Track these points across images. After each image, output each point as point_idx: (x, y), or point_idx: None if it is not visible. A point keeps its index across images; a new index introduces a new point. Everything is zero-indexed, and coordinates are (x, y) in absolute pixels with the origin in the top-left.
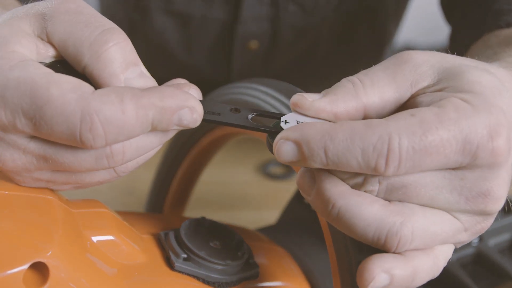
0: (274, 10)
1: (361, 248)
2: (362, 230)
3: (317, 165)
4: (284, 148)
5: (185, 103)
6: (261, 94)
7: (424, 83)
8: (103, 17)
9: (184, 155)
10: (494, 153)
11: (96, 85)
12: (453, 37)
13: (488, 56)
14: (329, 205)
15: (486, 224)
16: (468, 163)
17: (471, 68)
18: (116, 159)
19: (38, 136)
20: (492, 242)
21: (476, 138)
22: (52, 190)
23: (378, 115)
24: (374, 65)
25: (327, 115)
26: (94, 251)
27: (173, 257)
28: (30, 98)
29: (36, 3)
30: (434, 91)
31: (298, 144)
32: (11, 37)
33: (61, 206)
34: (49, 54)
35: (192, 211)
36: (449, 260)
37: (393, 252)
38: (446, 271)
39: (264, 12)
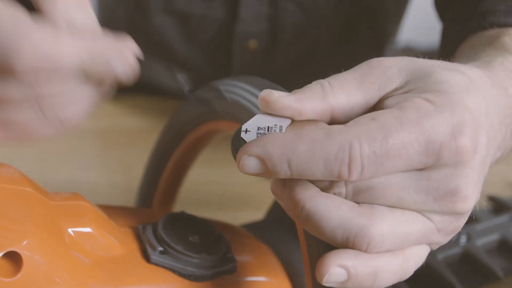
0: (273, 9)
1: (330, 248)
2: (331, 232)
3: (281, 176)
4: (248, 163)
5: (120, 49)
6: (241, 90)
7: (392, 86)
8: None
9: (172, 150)
10: (459, 152)
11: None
12: (444, 37)
13: (469, 56)
14: (298, 208)
15: (459, 223)
16: (433, 163)
17: (440, 69)
18: (41, 89)
19: None
20: (480, 242)
21: (438, 137)
22: (32, 182)
23: (347, 118)
24: None
25: (292, 112)
26: (71, 243)
27: (149, 250)
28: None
29: None
30: (401, 93)
31: (261, 159)
32: None
33: (38, 198)
34: None
35: (192, 211)
36: (436, 259)
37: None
38: (431, 270)
39: (263, 11)
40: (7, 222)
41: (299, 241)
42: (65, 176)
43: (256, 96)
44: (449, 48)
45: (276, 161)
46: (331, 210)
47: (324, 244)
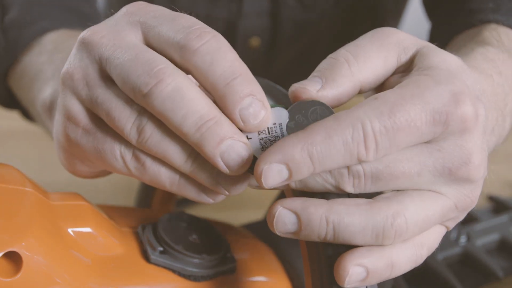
0: (274, 5)
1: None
2: (361, 234)
3: (305, 174)
4: (270, 173)
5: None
6: None
7: (406, 58)
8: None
9: None
10: (463, 119)
11: None
12: (431, 36)
13: (452, 51)
14: (323, 225)
15: (473, 196)
16: (441, 133)
17: (440, 50)
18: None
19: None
20: (480, 242)
21: (443, 106)
22: (32, 182)
23: (370, 89)
24: None
25: (331, 102)
26: (71, 243)
27: (149, 250)
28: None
29: None
30: (402, 72)
31: (283, 163)
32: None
33: (39, 198)
34: None
35: (192, 211)
36: (436, 259)
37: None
38: (431, 270)
39: (265, 6)
40: (7, 222)
41: (299, 241)
42: (65, 176)
43: None
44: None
45: (298, 159)
46: (354, 213)
47: (324, 244)
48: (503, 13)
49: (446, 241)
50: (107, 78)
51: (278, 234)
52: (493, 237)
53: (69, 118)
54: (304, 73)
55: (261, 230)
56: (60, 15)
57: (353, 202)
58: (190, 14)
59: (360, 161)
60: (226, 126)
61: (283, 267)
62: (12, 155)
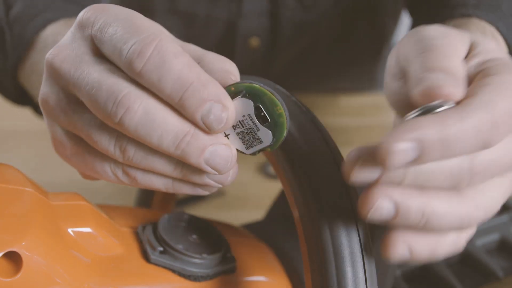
0: (274, 5)
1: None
2: (450, 228)
3: (435, 157)
4: (401, 150)
5: (220, 99)
6: None
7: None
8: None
9: None
10: None
11: None
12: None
13: None
14: (418, 218)
15: None
16: None
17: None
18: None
19: None
20: (480, 242)
21: None
22: (32, 182)
23: None
24: (373, 63)
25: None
26: (71, 243)
27: (149, 250)
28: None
29: None
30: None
31: (416, 142)
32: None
33: (38, 198)
34: None
35: (192, 211)
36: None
37: None
38: (431, 270)
39: (264, 6)
40: (7, 222)
41: (299, 241)
42: (65, 176)
43: None
44: None
45: (432, 140)
46: (444, 207)
47: (323, 243)
48: (484, 9)
49: None
50: (79, 103)
51: (367, 218)
52: (493, 237)
53: (55, 143)
54: (304, 73)
55: (261, 230)
56: (62, 5)
57: (445, 194)
58: (190, 14)
59: (485, 147)
60: (202, 136)
61: (283, 267)
62: (12, 155)
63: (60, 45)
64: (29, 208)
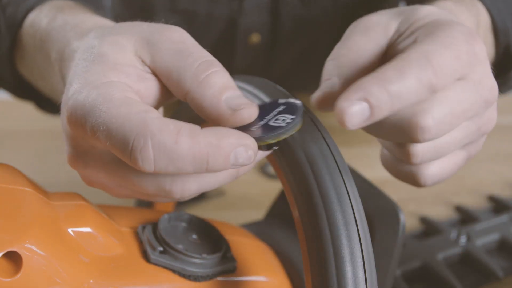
0: (274, 0)
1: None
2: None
3: (385, 112)
4: (354, 110)
5: (240, 141)
6: (241, 91)
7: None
8: (203, 49)
9: None
10: (482, 49)
11: (198, 109)
12: None
13: None
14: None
15: (495, 115)
16: (471, 63)
17: (420, 6)
18: (174, 195)
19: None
20: (480, 242)
21: (467, 40)
22: (32, 182)
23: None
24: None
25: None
26: (70, 242)
27: (149, 250)
28: (100, 111)
29: (137, 24)
30: (407, 36)
31: (366, 101)
32: (113, 56)
33: (38, 198)
34: (146, 76)
35: (192, 211)
36: (435, 259)
37: None
38: (431, 270)
39: (265, 2)
40: (7, 222)
41: (299, 240)
42: (65, 176)
43: (256, 96)
44: None
45: (378, 95)
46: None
47: (323, 243)
48: None
49: (446, 241)
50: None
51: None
52: (493, 237)
53: (84, 178)
54: (304, 72)
55: (261, 230)
56: None
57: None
58: (190, 13)
59: (432, 91)
60: (223, 150)
61: (283, 267)
62: (12, 155)
63: (68, 153)
64: (29, 208)
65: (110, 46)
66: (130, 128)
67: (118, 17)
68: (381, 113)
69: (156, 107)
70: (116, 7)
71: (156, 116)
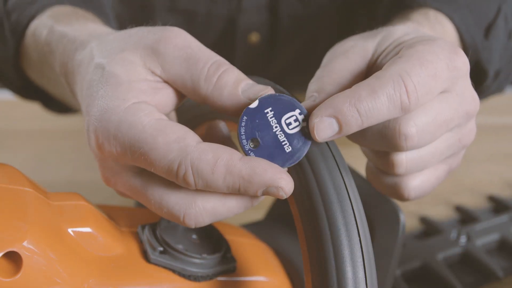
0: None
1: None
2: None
3: (354, 128)
4: (322, 126)
5: (273, 182)
6: None
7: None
8: (207, 49)
9: None
10: (465, 62)
11: (221, 110)
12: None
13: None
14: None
15: (474, 129)
16: (453, 78)
17: (391, 28)
18: (188, 225)
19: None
20: (480, 242)
21: (449, 55)
22: (32, 182)
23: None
24: None
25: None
26: (71, 243)
27: (149, 250)
28: (138, 143)
29: (136, 32)
30: (387, 53)
31: (333, 117)
32: (125, 75)
33: (39, 198)
34: (159, 86)
35: None
36: (435, 259)
37: None
38: (431, 270)
39: (263, 1)
40: (7, 222)
41: (299, 240)
42: (65, 176)
43: None
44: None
45: (347, 112)
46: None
47: (323, 242)
48: (440, 1)
49: (446, 241)
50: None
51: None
52: (493, 237)
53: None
54: (304, 71)
55: (261, 230)
56: None
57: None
58: (190, 12)
59: (403, 110)
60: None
61: (283, 267)
62: (12, 155)
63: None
64: (29, 208)
65: (120, 65)
66: (172, 159)
67: (118, 17)
68: (350, 129)
69: (175, 109)
70: (116, 7)
71: (194, 144)
